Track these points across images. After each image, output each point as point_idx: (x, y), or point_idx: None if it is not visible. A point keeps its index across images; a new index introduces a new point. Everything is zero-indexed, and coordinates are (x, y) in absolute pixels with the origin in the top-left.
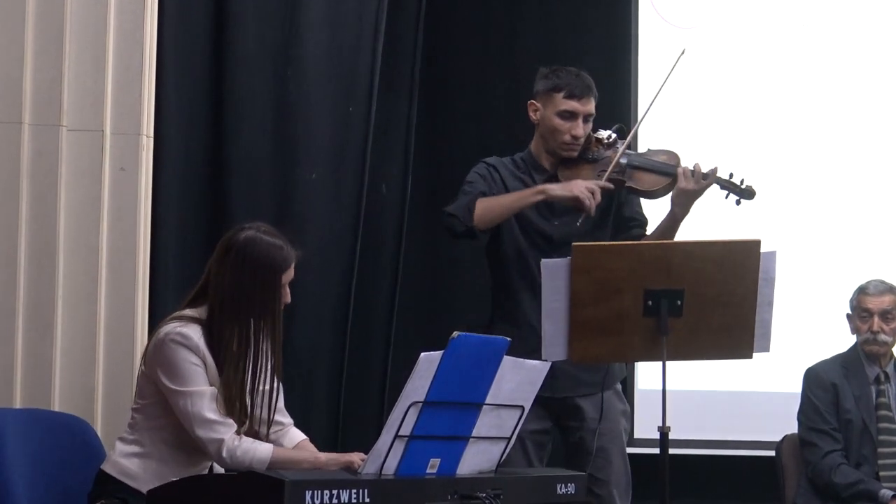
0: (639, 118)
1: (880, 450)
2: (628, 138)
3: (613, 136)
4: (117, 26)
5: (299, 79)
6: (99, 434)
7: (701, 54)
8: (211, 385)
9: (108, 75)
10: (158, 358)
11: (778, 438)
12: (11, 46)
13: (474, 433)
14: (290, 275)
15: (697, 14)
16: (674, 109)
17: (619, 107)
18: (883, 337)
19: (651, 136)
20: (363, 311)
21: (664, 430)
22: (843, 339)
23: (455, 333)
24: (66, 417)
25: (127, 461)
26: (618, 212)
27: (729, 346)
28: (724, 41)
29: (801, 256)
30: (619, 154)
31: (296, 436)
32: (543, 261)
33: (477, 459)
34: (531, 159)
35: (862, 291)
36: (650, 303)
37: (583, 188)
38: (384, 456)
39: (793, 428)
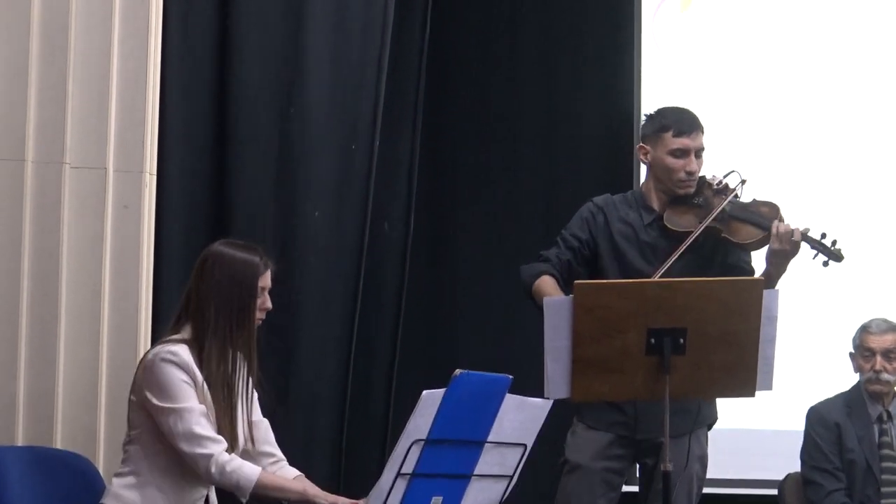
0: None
1: (883, 489)
2: (733, 188)
3: (724, 181)
4: (121, 64)
5: (302, 117)
6: (101, 472)
7: (703, 92)
8: (201, 404)
9: (112, 113)
10: (148, 379)
11: (781, 477)
12: (15, 83)
13: (477, 471)
14: (266, 282)
15: (700, 52)
16: None
17: (620, 121)
18: (886, 376)
19: None
20: (366, 348)
21: (666, 470)
22: (845, 378)
23: (457, 371)
24: (68, 455)
25: (125, 492)
26: (723, 259)
27: (732, 384)
28: (726, 79)
29: (803, 294)
30: (723, 202)
31: (291, 472)
32: (546, 299)
33: (479, 497)
34: (641, 198)
35: (864, 330)
36: (653, 341)
37: None
38: (386, 494)
39: (796, 467)
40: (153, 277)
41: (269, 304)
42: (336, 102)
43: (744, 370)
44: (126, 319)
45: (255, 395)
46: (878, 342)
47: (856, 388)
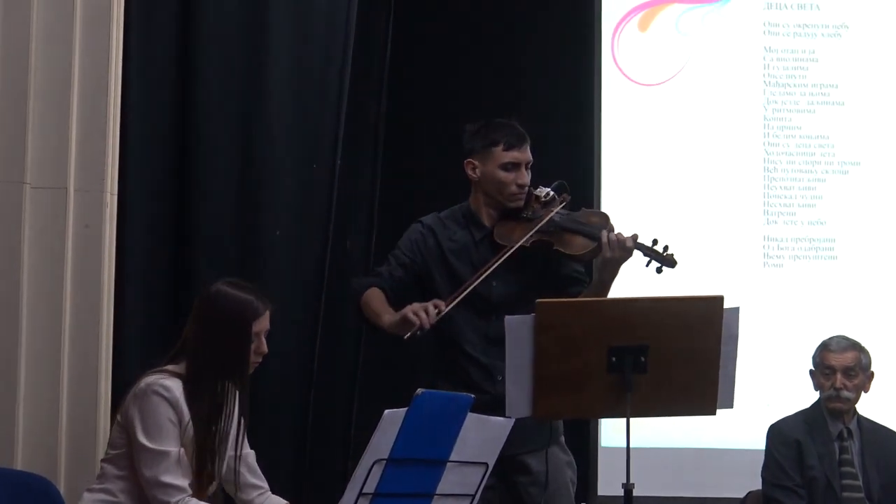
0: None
1: None
2: (561, 199)
3: (552, 193)
4: (81, 83)
5: (263, 135)
6: (62, 493)
7: (664, 112)
8: (183, 444)
9: (72, 132)
10: (138, 406)
11: (742, 495)
12: None
13: (438, 490)
14: (263, 325)
15: (660, 72)
16: (637, 166)
17: (582, 166)
18: (846, 394)
19: (615, 193)
20: (327, 367)
21: (628, 488)
22: (806, 395)
23: (419, 390)
24: (29, 476)
25: None
26: (556, 271)
27: (693, 402)
28: (686, 99)
29: (763, 313)
30: (550, 214)
31: (276, 502)
32: (507, 318)
33: None
34: (470, 214)
35: (825, 348)
36: (614, 359)
37: (415, 308)
38: None
39: (757, 484)
40: (115, 297)
41: (264, 349)
42: (297, 120)
43: (705, 388)
44: (87, 339)
45: (244, 426)
46: (838, 360)
47: (816, 406)
